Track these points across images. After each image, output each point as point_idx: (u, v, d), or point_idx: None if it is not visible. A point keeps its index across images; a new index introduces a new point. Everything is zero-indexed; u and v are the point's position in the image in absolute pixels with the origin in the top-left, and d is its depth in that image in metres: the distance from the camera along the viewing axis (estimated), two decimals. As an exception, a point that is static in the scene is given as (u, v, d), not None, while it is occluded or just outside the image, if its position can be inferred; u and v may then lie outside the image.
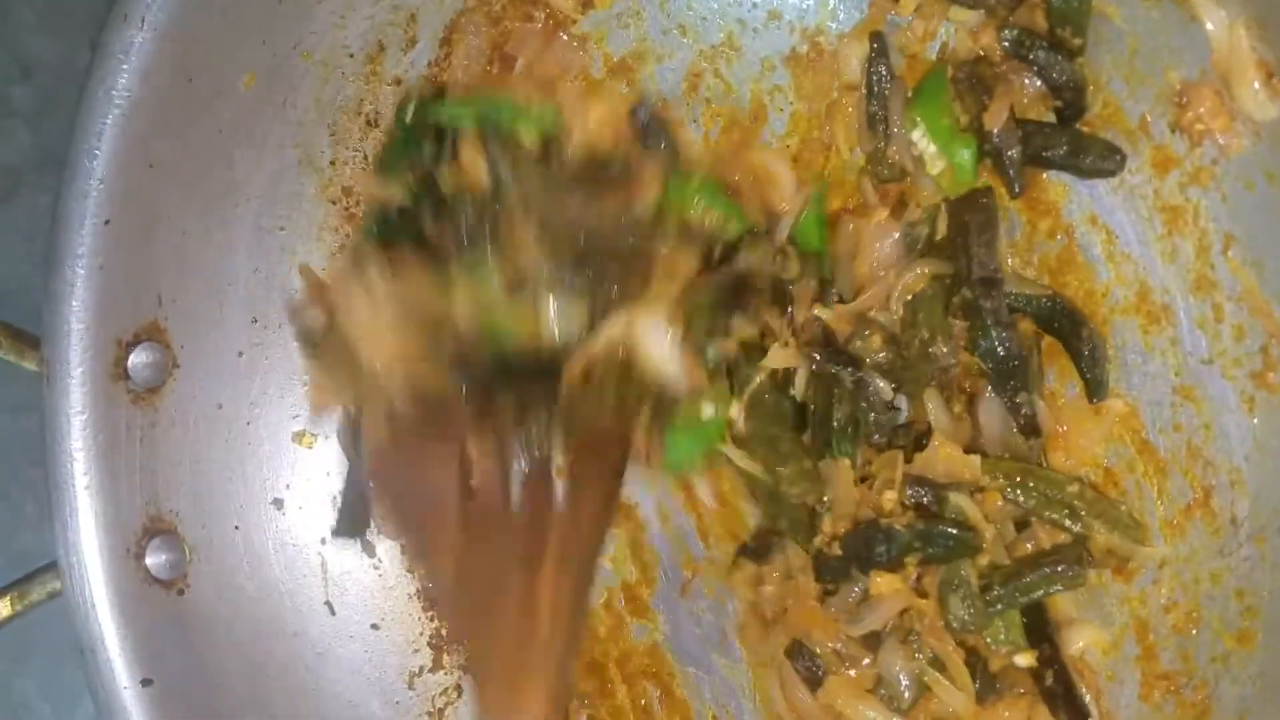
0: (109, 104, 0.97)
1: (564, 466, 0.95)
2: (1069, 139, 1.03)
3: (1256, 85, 0.88)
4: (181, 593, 1.06)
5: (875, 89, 1.08)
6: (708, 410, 1.06)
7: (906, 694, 1.05)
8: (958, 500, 1.02)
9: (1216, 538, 1.00)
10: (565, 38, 1.13)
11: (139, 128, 0.99)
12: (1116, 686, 1.05)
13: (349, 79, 1.12)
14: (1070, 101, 1.03)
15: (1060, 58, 1.01)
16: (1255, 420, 0.98)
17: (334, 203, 1.15)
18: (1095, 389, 1.05)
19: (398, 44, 1.12)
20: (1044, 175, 1.06)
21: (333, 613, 1.16)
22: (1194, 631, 1.02)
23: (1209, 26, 0.90)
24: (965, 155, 1.04)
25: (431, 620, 1.19)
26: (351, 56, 1.11)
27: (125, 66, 0.97)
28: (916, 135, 1.05)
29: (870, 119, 1.09)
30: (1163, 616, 1.04)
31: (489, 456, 0.94)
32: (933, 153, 1.05)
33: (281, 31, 1.06)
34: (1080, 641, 1.05)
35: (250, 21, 1.03)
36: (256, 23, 1.04)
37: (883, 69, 1.08)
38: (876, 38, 1.07)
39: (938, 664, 1.04)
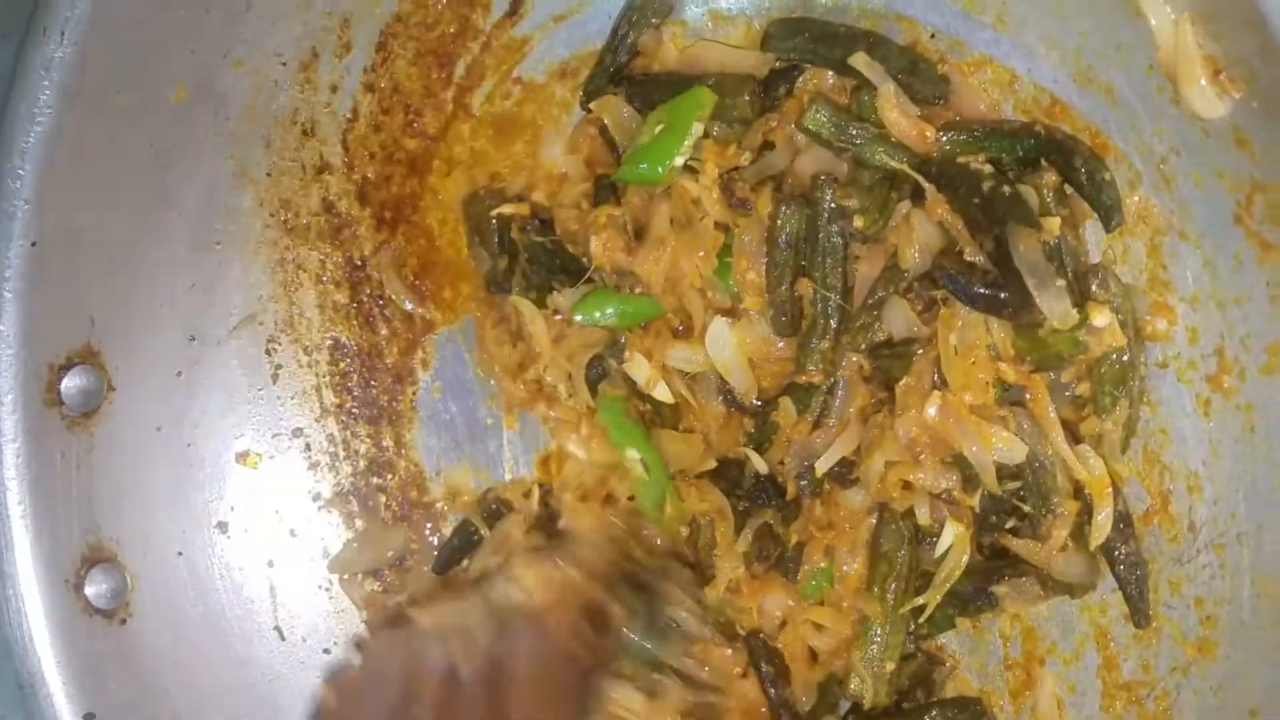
0: (31, 121, 0.95)
1: None
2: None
3: (1203, 82, 0.85)
4: (124, 622, 1.04)
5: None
6: None
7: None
8: None
9: (1175, 544, 0.98)
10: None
11: (64, 144, 0.96)
12: (1078, 698, 1.04)
13: (282, 87, 1.08)
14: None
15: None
16: (1211, 424, 0.96)
17: (272, 214, 1.12)
18: (1108, 215, 0.96)
19: (331, 49, 1.09)
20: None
21: (283, 638, 1.14)
22: (1154, 641, 1.00)
23: (1153, 22, 0.87)
24: None
25: (385, 642, 1.17)
26: (284, 64, 1.08)
27: (46, 82, 0.94)
28: None
29: None
30: (1123, 625, 1.02)
31: None
32: None
33: (210, 40, 1.02)
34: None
35: (177, 31, 1.00)
36: (184, 32, 1.00)
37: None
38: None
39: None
